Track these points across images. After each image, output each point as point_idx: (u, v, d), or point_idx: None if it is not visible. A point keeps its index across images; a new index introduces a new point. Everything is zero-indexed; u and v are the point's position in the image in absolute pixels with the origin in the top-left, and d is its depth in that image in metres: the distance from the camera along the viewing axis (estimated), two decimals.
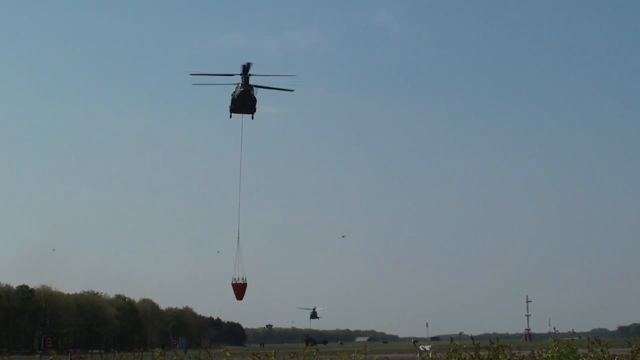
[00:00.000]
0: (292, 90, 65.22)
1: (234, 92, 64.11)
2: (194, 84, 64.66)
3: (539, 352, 21.93)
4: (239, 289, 65.43)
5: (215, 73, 63.47)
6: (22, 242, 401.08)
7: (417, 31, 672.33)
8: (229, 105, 64.24)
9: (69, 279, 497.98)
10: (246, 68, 63.03)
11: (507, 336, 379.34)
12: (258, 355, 19.90)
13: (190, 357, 20.11)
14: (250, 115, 64.37)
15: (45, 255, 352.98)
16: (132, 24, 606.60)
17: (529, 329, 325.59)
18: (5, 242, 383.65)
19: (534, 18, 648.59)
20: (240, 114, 64.57)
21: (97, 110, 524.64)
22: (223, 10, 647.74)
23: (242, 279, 65.51)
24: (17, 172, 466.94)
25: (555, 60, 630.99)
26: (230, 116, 64.97)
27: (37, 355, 27.07)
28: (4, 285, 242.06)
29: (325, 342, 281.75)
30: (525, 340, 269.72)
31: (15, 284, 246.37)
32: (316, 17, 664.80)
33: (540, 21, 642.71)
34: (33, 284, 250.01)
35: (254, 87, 63.39)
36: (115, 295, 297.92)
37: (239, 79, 63.70)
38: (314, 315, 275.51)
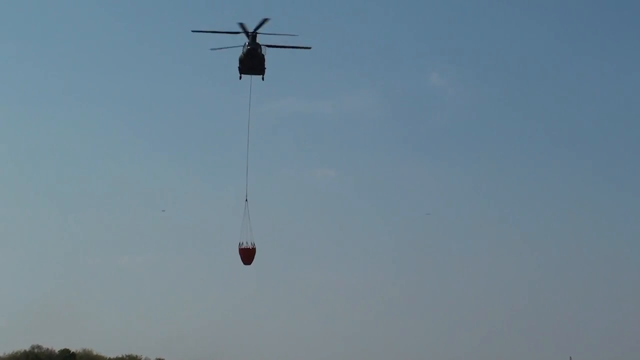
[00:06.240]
0: (309, 48, 62.38)
1: (242, 53, 61.29)
2: (211, 49, 61.65)
3: None
4: (246, 254, 63.03)
5: (217, 31, 60.46)
6: (47, 302, 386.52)
7: (470, 95, 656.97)
8: (238, 66, 61.51)
9: (106, 341, 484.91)
10: (243, 27, 60.19)
11: None
12: None
13: None
14: (261, 76, 61.36)
15: (78, 317, 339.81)
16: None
17: None
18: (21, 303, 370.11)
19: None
20: (250, 75, 61.61)
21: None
22: (274, 74, 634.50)
23: (251, 244, 63.00)
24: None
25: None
26: (240, 77, 62.17)
27: None
28: (45, 349, 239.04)
29: None
30: None
31: (56, 348, 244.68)
32: (371, 80, 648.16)
33: None
34: (74, 347, 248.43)
35: (262, 46, 60.15)
36: (156, 358, 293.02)
37: (246, 39, 60.72)
38: None
